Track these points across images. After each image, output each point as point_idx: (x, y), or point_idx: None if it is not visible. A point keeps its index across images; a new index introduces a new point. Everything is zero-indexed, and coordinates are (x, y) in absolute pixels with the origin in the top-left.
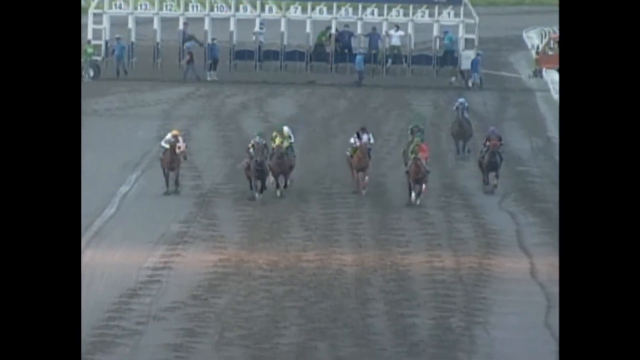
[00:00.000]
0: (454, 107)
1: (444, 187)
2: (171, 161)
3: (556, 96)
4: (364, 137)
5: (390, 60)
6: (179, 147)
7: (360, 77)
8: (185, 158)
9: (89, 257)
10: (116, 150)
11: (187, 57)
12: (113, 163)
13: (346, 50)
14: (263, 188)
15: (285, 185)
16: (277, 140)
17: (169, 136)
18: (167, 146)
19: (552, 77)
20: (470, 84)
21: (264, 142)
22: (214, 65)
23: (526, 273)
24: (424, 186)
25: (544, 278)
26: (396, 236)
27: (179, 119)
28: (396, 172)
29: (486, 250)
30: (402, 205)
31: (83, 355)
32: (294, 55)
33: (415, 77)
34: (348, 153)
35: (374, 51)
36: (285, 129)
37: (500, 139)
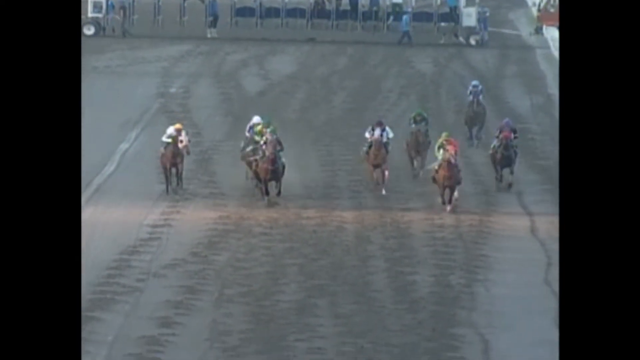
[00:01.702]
0: (467, 91)
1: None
2: (173, 156)
3: (556, 53)
4: (377, 132)
5: (391, 17)
6: (181, 141)
7: (408, 37)
8: (188, 153)
9: (88, 214)
10: (116, 107)
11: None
12: (113, 120)
13: (348, 8)
14: (279, 189)
15: (279, 193)
16: (264, 138)
17: (170, 130)
18: (170, 140)
19: (552, 34)
20: (473, 41)
21: (276, 136)
22: (214, 22)
23: (526, 230)
24: (456, 193)
25: (544, 235)
26: (396, 193)
27: (179, 76)
28: (396, 130)
29: (486, 208)
30: (402, 163)
31: (83, 312)
32: (294, 12)
33: (416, 34)
34: (364, 149)
35: (374, 8)
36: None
37: (514, 131)
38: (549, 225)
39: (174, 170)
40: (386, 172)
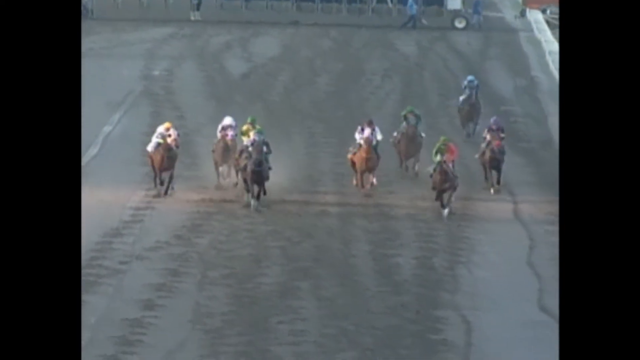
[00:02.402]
0: (462, 86)
1: (428, 126)
2: (164, 159)
3: (539, 35)
4: (366, 131)
5: (375, 0)
6: (170, 135)
7: (413, 21)
8: (177, 147)
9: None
10: (99, 90)
11: None
12: (96, 103)
13: None
14: (261, 193)
15: (259, 196)
16: (250, 135)
17: (160, 129)
18: (161, 140)
19: (535, 17)
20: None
21: (263, 137)
22: (198, 5)
23: (509, 213)
24: (452, 198)
25: (527, 218)
26: (379, 176)
27: (163, 58)
28: (378, 112)
29: (469, 190)
30: (385, 146)
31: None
32: None
33: (400, 16)
34: (351, 149)
35: None
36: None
37: (502, 131)
38: (531, 207)
39: (164, 174)
40: (374, 180)
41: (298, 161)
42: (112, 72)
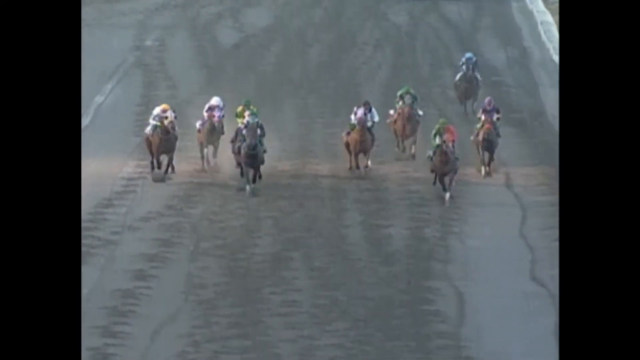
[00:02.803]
0: (460, 63)
1: (420, 97)
2: (161, 142)
3: (531, 6)
4: (359, 112)
5: None
6: (167, 118)
7: None
8: (173, 129)
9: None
10: (91, 60)
11: None
12: (88, 73)
13: None
14: (256, 177)
15: (254, 180)
16: (245, 117)
17: (157, 110)
18: (157, 123)
19: None
20: None
21: (257, 120)
22: None
23: (501, 183)
24: (453, 182)
25: (519, 188)
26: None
27: (155, 29)
28: (370, 82)
29: (461, 160)
30: (379, 116)
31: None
32: None
33: None
34: (345, 131)
35: None
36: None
37: (497, 111)
38: (523, 178)
39: (162, 157)
40: (369, 163)
41: (290, 132)
42: (104, 42)
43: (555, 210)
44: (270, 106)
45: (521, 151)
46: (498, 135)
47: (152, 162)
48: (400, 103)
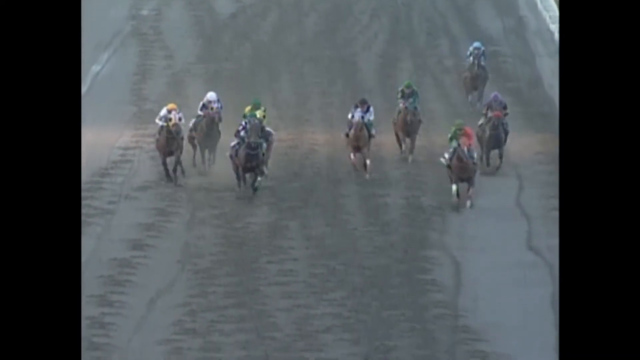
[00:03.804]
0: (467, 53)
1: (416, 66)
2: (168, 144)
3: None
4: (357, 113)
5: None
6: (170, 120)
7: None
8: (178, 132)
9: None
10: (88, 29)
11: None
12: (84, 43)
13: None
14: (259, 176)
15: (254, 182)
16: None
17: (163, 112)
18: (163, 123)
19: None
20: None
21: (258, 121)
22: None
23: (497, 153)
24: (471, 190)
25: (516, 158)
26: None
27: None
28: (366, 52)
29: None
30: (376, 85)
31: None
32: None
33: None
34: (345, 131)
35: None
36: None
37: (504, 107)
38: (520, 147)
39: (169, 159)
40: (368, 161)
41: (287, 100)
42: (101, 12)
43: (552, 179)
44: (266, 75)
45: (517, 120)
46: (506, 132)
47: (163, 163)
48: (401, 101)
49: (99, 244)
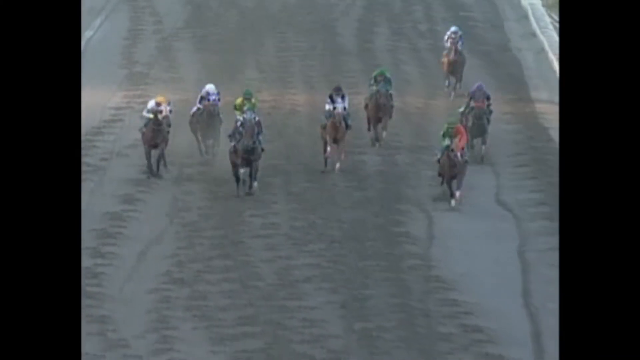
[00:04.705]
0: (445, 37)
1: (392, 32)
2: (154, 136)
3: None
4: (339, 104)
5: None
6: (161, 112)
7: None
8: (169, 125)
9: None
10: None
11: None
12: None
13: None
14: (253, 179)
15: (251, 186)
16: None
17: (151, 104)
18: (151, 116)
19: None
20: None
21: (255, 117)
22: None
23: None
24: (459, 192)
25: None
26: (347, 78)
27: None
28: (346, 17)
29: (432, 91)
30: (354, 49)
31: None
32: None
33: None
34: (321, 123)
35: None
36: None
37: (488, 98)
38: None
39: (154, 152)
40: (342, 155)
41: (270, 63)
42: None
43: (519, 137)
44: (251, 40)
45: (488, 81)
46: (488, 120)
47: (147, 156)
48: (374, 86)
49: (92, 198)
